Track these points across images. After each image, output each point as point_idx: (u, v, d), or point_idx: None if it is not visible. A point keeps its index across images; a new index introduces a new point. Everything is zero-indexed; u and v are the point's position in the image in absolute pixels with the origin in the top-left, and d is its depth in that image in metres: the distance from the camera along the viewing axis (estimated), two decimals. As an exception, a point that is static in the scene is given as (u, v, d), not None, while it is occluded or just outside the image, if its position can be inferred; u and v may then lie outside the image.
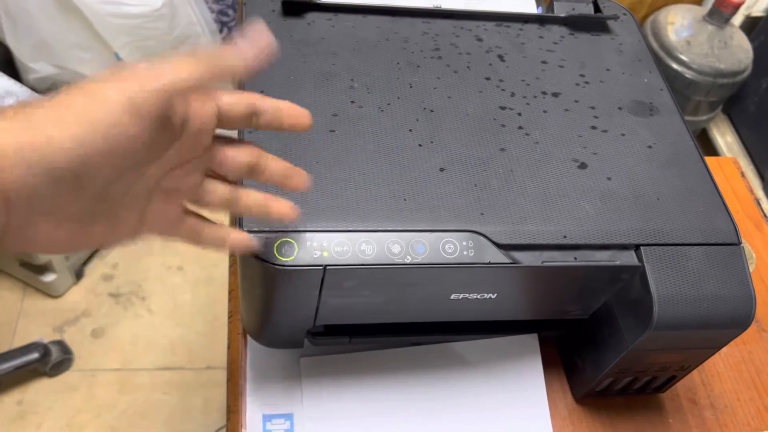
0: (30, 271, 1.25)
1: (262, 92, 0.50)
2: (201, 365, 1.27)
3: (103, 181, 0.31)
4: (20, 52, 1.27)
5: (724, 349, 0.61)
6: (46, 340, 1.21)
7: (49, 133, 0.27)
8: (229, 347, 0.58)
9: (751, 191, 0.75)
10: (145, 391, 1.22)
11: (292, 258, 0.42)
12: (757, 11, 1.58)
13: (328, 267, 0.42)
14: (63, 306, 1.30)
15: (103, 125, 0.28)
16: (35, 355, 1.16)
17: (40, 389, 1.20)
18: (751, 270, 0.62)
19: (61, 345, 1.21)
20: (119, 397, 1.21)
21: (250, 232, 0.42)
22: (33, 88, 1.27)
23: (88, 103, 0.28)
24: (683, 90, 1.48)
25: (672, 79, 1.45)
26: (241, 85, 0.50)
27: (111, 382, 1.22)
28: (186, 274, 1.38)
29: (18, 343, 1.22)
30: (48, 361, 1.18)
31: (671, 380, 0.57)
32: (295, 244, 0.42)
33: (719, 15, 1.44)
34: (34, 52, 1.26)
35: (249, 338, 0.58)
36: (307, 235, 0.43)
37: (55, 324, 1.28)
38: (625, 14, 0.63)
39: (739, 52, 1.48)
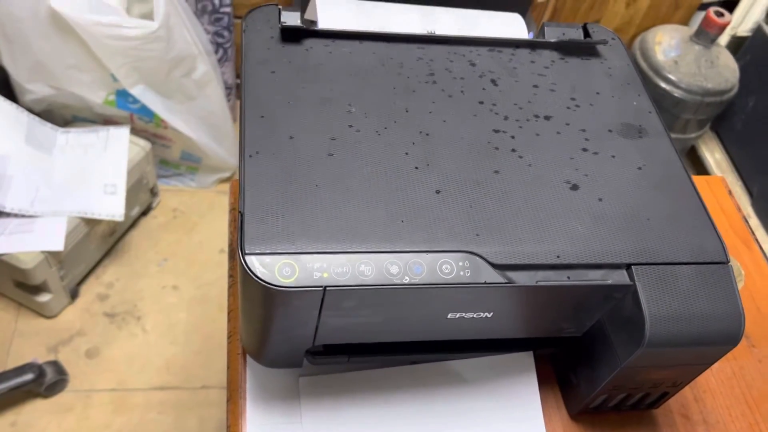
0: (24, 292, 1.25)
1: (262, 117, 0.51)
2: (196, 385, 1.26)
3: None
4: (17, 73, 1.28)
5: (716, 365, 0.62)
6: (40, 361, 1.21)
7: None
8: (228, 367, 0.59)
9: (739, 209, 0.77)
10: (140, 411, 1.22)
11: (292, 279, 0.43)
12: (743, 31, 1.61)
13: (327, 288, 0.43)
14: (57, 326, 1.30)
15: None
16: (30, 376, 1.16)
17: (34, 410, 1.20)
18: (740, 287, 0.64)
19: (56, 365, 1.21)
20: (114, 418, 1.20)
21: (251, 254, 0.43)
22: (29, 109, 1.28)
23: None
24: (672, 108, 1.50)
25: (661, 98, 1.48)
26: (242, 110, 0.52)
27: (106, 402, 1.22)
28: (181, 294, 1.38)
29: (12, 363, 1.22)
30: (43, 381, 1.18)
31: (664, 396, 0.58)
32: (296, 266, 0.43)
33: (705, 35, 1.47)
34: (30, 74, 1.28)
35: (248, 358, 0.58)
36: (307, 256, 0.44)
37: (49, 344, 1.28)
38: (613, 39, 0.65)
39: (726, 71, 1.51)
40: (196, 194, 1.55)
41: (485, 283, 0.46)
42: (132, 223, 1.46)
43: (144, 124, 1.40)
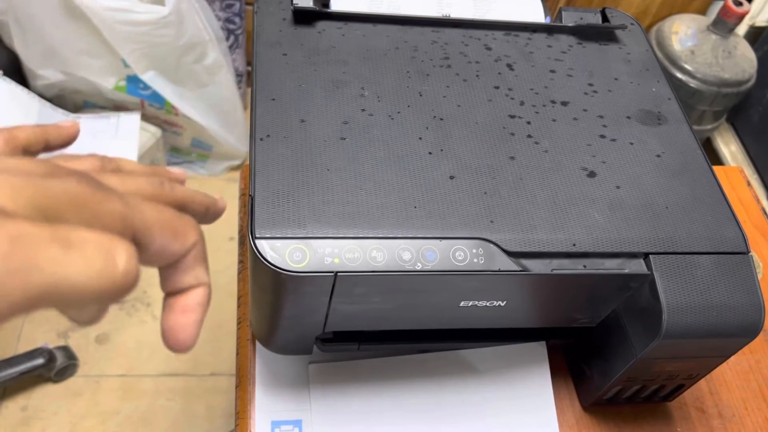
0: (35, 277, 1.25)
1: (273, 100, 0.50)
2: (205, 372, 1.27)
3: None
4: (28, 59, 1.28)
5: (732, 358, 0.61)
6: (51, 346, 1.21)
7: None
8: (237, 354, 0.58)
9: (758, 200, 0.76)
10: (149, 397, 1.22)
11: (303, 264, 0.42)
12: (762, 21, 1.58)
13: (338, 273, 0.43)
14: (68, 312, 1.30)
15: None
16: (40, 361, 1.16)
17: (44, 395, 1.20)
18: (758, 279, 0.62)
19: (66, 350, 1.22)
20: (123, 404, 1.21)
21: (261, 238, 0.42)
22: (41, 95, 1.28)
23: None
24: (687, 99, 1.48)
25: (676, 88, 1.45)
26: (253, 93, 0.51)
27: (115, 387, 1.22)
28: (191, 281, 1.38)
29: (23, 348, 1.22)
30: (53, 366, 1.18)
31: (679, 389, 0.57)
32: (306, 251, 0.43)
33: (723, 25, 1.45)
34: (42, 59, 1.27)
35: (258, 345, 0.58)
36: (319, 241, 0.43)
37: (59, 329, 1.28)
38: (632, 24, 0.63)
39: (743, 61, 1.49)
40: (206, 182, 1.55)
41: (499, 270, 0.45)
42: (142, 210, 1.46)
43: (155, 110, 1.39)
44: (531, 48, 0.59)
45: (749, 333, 0.48)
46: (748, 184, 0.77)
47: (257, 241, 0.42)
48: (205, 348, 1.29)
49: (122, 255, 0.21)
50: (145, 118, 1.37)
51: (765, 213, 0.75)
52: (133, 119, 1.31)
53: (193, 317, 0.27)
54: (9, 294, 0.18)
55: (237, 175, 1.56)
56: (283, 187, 0.45)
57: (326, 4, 0.59)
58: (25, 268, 0.19)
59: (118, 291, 0.21)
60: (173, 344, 0.27)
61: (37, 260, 0.19)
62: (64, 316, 0.24)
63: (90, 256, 0.20)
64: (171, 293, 0.28)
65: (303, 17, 0.57)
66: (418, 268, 0.44)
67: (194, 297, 0.28)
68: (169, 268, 0.27)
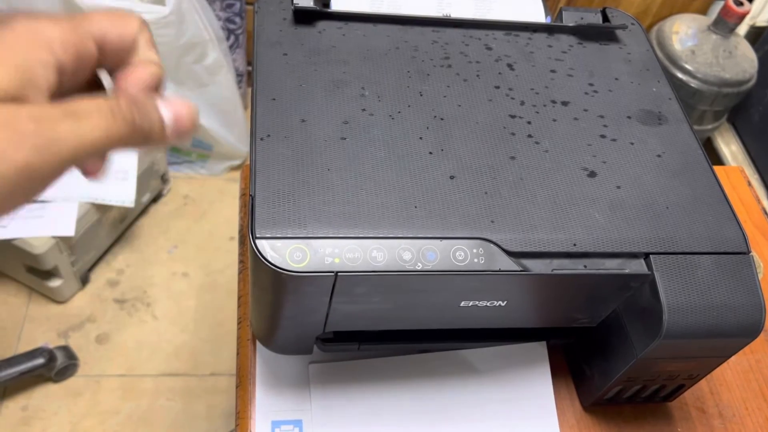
0: (36, 277, 1.25)
1: (273, 100, 0.50)
2: (205, 372, 1.27)
3: None
4: (29, 58, 1.28)
5: (733, 358, 0.61)
6: (51, 346, 1.21)
7: None
8: (238, 354, 0.58)
9: (758, 200, 0.75)
10: (149, 397, 1.22)
11: (303, 264, 0.42)
12: (762, 21, 1.58)
13: (339, 273, 0.43)
14: (68, 311, 1.31)
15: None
16: (40, 361, 1.16)
17: (45, 395, 1.20)
18: (759, 279, 0.62)
19: (67, 350, 1.22)
20: (123, 403, 1.21)
21: (262, 238, 0.42)
22: (41, 95, 1.28)
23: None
24: (688, 99, 1.48)
25: (677, 88, 1.45)
26: (254, 93, 0.51)
27: (115, 387, 1.22)
28: (191, 281, 1.38)
29: (23, 348, 1.22)
30: (53, 366, 1.18)
31: (680, 389, 0.57)
32: (307, 251, 0.43)
33: (724, 25, 1.45)
34: (42, 59, 1.27)
35: (258, 344, 0.58)
36: (319, 241, 0.43)
37: (59, 329, 1.28)
38: (633, 24, 0.63)
39: (744, 61, 1.49)
40: (206, 181, 1.55)
41: (499, 270, 0.45)
42: (142, 210, 1.46)
43: (155, 110, 1.39)
44: (531, 48, 0.59)
45: (750, 333, 0.48)
46: (749, 184, 0.77)
47: (258, 241, 0.42)
48: (205, 348, 1.29)
49: (119, 110, 0.27)
50: (146, 117, 1.37)
51: (765, 213, 0.75)
52: (133, 119, 1.31)
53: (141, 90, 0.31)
54: (45, 162, 0.25)
55: (237, 174, 1.56)
56: (284, 186, 0.45)
57: (327, 4, 0.59)
58: (52, 140, 0.25)
59: (128, 136, 0.28)
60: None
61: (59, 133, 0.25)
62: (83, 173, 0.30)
63: (96, 121, 0.26)
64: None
65: (303, 17, 0.57)
66: (419, 268, 0.44)
67: (147, 70, 0.31)
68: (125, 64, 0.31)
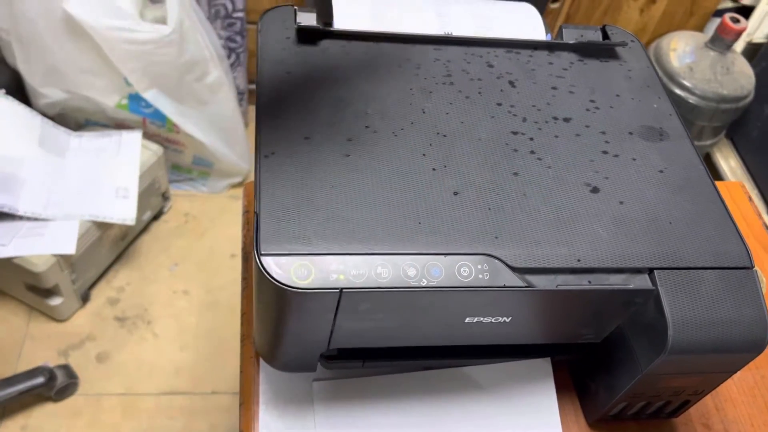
0: (36, 295, 1.25)
1: (277, 118, 0.50)
2: (206, 390, 1.26)
3: None
4: (31, 77, 1.29)
5: (738, 373, 0.61)
6: (51, 365, 1.20)
7: None
8: (241, 371, 0.58)
9: (760, 216, 0.76)
10: (150, 415, 1.21)
11: (308, 281, 0.42)
12: (759, 38, 1.59)
13: (344, 290, 0.43)
14: (68, 330, 1.30)
15: None
16: (41, 380, 1.16)
17: (44, 414, 1.19)
18: (763, 293, 0.62)
19: (67, 369, 1.21)
20: (124, 422, 1.20)
21: (267, 255, 0.42)
22: (43, 113, 1.29)
23: None
24: (687, 115, 1.49)
25: (675, 104, 1.47)
26: (258, 111, 0.51)
27: (115, 406, 1.22)
28: (192, 298, 1.37)
29: (23, 366, 1.22)
30: (53, 385, 1.18)
31: (685, 405, 0.57)
32: (311, 267, 0.43)
33: (721, 41, 1.46)
34: (44, 78, 1.28)
35: (262, 362, 0.57)
36: (324, 258, 0.43)
37: (60, 348, 1.27)
38: (632, 41, 0.64)
39: (742, 78, 1.50)
40: (207, 199, 1.55)
41: (504, 286, 0.45)
42: (143, 228, 1.46)
43: (156, 128, 1.40)
44: (532, 65, 0.59)
45: (755, 348, 0.48)
46: (750, 199, 0.77)
47: (263, 258, 0.42)
48: (206, 366, 1.29)
49: None
50: (147, 135, 1.38)
51: (767, 227, 0.75)
52: (134, 137, 1.32)
53: None
54: None
55: (238, 192, 1.57)
56: (288, 203, 0.45)
57: (329, 23, 0.60)
58: None
59: None
60: None
61: None
62: None
63: None
64: None
65: (306, 36, 0.57)
66: (424, 285, 0.44)
67: None
68: None
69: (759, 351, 0.48)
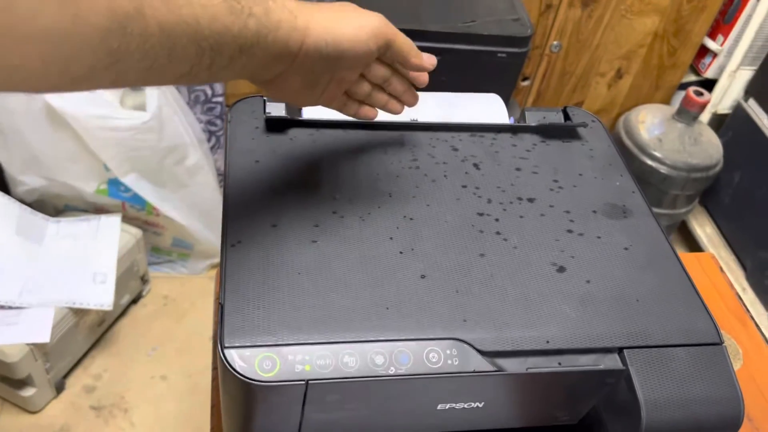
0: (7, 386, 1.21)
1: (245, 207, 0.51)
2: (184, 481, 1.21)
3: (338, 68, 0.47)
4: (10, 165, 1.29)
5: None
6: (21, 460, 1.16)
7: (341, 30, 0.45)
8: (211, 466, 0.56)
9: (732, 286, 0.76)
10: None
11: (273, 373, 0.42)
12: (723, 109, 1.65)
13: (310, 381, 0.42)
14: (41, 421, 1.25)
15: (363, 39, 0.46)
16: (9, 477, 1.11)
17: None
18: (738, 367, 0.62)
19: (38, 464, 1.16)
20: None
21: (230, 347, 0.42)
22: (21, 200, 1.29)
23: (357, 22, 0.46)
24: (659, 184, 1.52)
25: (648, 174, 1.50)
26: (225, 200, 0.52)
27: (88, 503, 1.16)
28: (170, 384, 1.34)
29: (-8, 464, 1.17)
30: (22, 482, 1.12)
31: (668, 486, 0.55)
32: (277, 359, 0.42)
33: (687, 114, 1.51)
34: (23, 166, 1.29)
35: (232, 456, 0.56)
36: (288, 348, 0.43)
37: (32, 441, 1.23)
38: (593, 121, 0.66)
39: (710, 147, 1.54)
40: (187, 281, 1.54)
41: (474, 372, 0.44)
42: (122, 312, 1.43)
43: (136, 212, 1.40)
44: (496, 147, 0.61)
45: (730, 425, 0.47)
46: (721, 269, 0.78)
47: (226, 351, 0.42)
48: (183, 456, 1.24)
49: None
50: (126, 219, 1.38)
51: (740, 298, 0.75)
52: (113, 221, 1.32)
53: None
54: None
55: (218, 272, 1.55)
56: (254, 293, 0.45)
57: (298, 112, 0.61)
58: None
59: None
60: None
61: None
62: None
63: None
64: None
65: (275, 125, 0.58)
66: (392, 373, 0.43)
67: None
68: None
69: (735, 428, 0.48)
